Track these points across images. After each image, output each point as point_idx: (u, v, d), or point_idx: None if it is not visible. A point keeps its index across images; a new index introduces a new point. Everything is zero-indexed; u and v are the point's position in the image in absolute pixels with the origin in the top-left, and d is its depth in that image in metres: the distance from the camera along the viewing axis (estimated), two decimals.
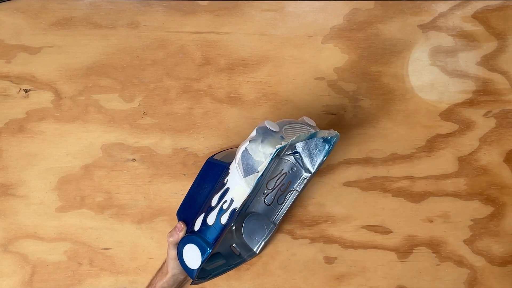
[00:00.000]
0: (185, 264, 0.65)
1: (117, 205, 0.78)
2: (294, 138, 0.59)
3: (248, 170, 0.60)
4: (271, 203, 0.76)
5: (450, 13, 0.83)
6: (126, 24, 0.81)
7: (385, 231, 0.80)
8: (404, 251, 0.80)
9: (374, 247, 0.80)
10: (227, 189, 0.63)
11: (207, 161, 0.70)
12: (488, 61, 0.83)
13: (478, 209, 0.81)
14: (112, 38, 0.80)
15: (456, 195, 0.81)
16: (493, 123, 0.82)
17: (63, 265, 0.77)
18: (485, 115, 0.82)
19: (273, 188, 0.75)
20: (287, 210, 0.75)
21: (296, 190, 0.75)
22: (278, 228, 0.77)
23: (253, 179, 0.59)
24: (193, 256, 0.64)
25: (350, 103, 0.81)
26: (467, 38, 0.83)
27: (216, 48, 0.81)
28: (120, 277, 0.78)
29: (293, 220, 0.79)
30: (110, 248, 0.78)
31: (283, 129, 0.62)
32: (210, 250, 0.63)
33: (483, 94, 0.82)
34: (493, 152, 0.82)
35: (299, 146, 0.73)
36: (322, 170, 0.80)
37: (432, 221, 0.80)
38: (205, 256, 0.63)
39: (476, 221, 0.81)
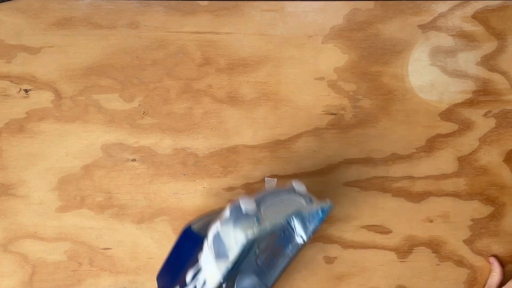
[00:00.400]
0: None
1: (117, 205, 0.78)
2: (268, 225, 0.53)
3: (219, 254, 0.54)
4: (262, 265, 0.70)
5: (450, 13, 0.83)
6: (126, 24, 0.81)
7: (385, 231, 0.80)
8: (404, 251, 0.80)
9: (374, 247, 0.80)
10: (200, 269, 0.58)
11: (184, 229, 0.65)
12: (488, 61, 0.83)
13: (478, 209, 0.81)
14: (112, 38, 0.80)
15: (456, 195, 0.81)
16: (493, 123, 0.82)
17: (63, 265, 0.77)
18: (485, 115, 0.82)
19: (265, 249, 0.70)
20: (280, 275, 0.71)
21: (288, 255, 0.70)
22: None
23: (223, 266, 0.54)
24: None
25: (350, 103, 0.81)
26: (467, 38, 0.83)
27: (216, 48, 0.81)
28: (120, 277, 0.78)
29: None
30: (110, 248, 0.78)
31: (262, 207, 0.56)
32: None
33: (483, 94, 0.82)
34: (493, 152, 0.82)
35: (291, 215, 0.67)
36: (322, 170, 0.80)
37: (432, 221, 0.80)
38: None
39: (476, 221, 0.81)
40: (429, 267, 0.80)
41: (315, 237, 0.79)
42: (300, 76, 0.81)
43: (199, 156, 0.79)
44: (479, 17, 0.83)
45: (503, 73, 0.83)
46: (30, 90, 0.79)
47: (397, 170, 0.81)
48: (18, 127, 0.79)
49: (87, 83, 0.80)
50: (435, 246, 0.80)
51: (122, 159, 0.79)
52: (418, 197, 0.81)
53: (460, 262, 0.80)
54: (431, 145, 0.81)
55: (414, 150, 0.81)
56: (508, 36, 0.83)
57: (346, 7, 0.83)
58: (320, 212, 0.65)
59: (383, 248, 0.80)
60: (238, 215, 0.54)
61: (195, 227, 0.65)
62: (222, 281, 0.56)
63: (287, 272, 0.79)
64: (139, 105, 0.80)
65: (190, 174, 0.79)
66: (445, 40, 0.83)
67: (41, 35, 0.80)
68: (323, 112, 0.81)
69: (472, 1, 0.84)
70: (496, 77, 0.83)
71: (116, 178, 0.79)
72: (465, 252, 0.80)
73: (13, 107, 0.79)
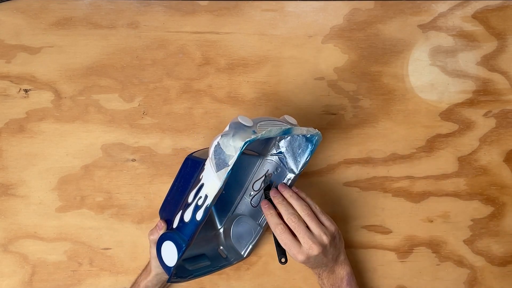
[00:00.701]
0: (163, 262, 0.65)
1: (117, 205, 0.78)
2: (264, 132, 0.59)
3: (220, 164, 0.59)
4: (257, 205, 0.75)
5: (450, 13, 0.83)
6: (126, 24, 0.81)
7: (385, 231, 0.80)
8: (404, 251, 0.80)
9: (374, 247, 0.80)
10: (202, 185, 0.62)
11: (186, 158, 0.69)
12: (488, 61, 0.83)
13: (478, 209, 0.81)
14: (112, 38, 0.80)
15: (456, 195, 0.81)
16: (493, 123, 0.82)
17: (63, 265, 0.77)
18: (485, 115, 0.82)
19: (259, 190, 0.74)
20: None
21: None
22: (264, 231, 0.76)
23: (223, 173, 0.59)
24: (170, 253, 0.64)
25: (350, 103, 0.81)
26: (467, 38, 0.83)
27: (216, 48, 0.81)
28: (120, 277, 0.78)
29: None
30: (110, 248, 0.78)
31: (257, 125, 0.61)
32: (185, 247, 0.62)
33: (483, 94, 0.82)
34: (493, 152, 0.82)
35: (283, 146, 0.72)
36: (322, 170, 0.80)
37: (432, 221, 0.80)
38: (180, 253, 0.62)
39: (476, 221, 0.81)
40: (429, 267, 0.80)
41: None
42: (300, 76, 0.81)
43: None
44: (479, 17, 0.83)
45: (503, 73, 0.83)
46: (30, 90, 0.79)
47: (397, 170, 0.81)
48: (18, 127, 0.79)
49: (87, 83, 0.80)
50: (435, 246, 0.80)
51: (122, 159, 0.79)
52: (418, 197, 0.81)
53: (460, 262, 0.80)
54: (431, 145, 0.81)
55: (414, 150, 0.81)
56: (508, 36, 0.83)
57: (346, 7, 0.83)
58: (310, 144, 0.68)
59: (383, 248, 0.80)
60: (236, 128, 0.59)
61: (195, 155, 0.69)
62: (222, 187, 0.59)
63: (287, 272, 0.79)
64: (139, 105, 0.80)
65: None
66: (445, 40, 0.83)
67: (41, 35, 0.80)
68: (323, 112, 0.81)
69: (472, 1, 0.84)
70: (496, 77, 0.83)
71: (116, 178, 0.79)
72: (465, 252, 0.80)
73: (13, 107, 0.79)
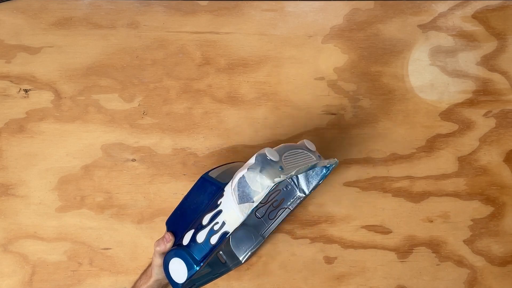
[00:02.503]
0: (170, 277, 0.65)
1: (117, 205, 0.78)
2: (293, 172, 0.58)
3: (243, 197, 0.58)
4: (261, 217, 0.75)
5: (450, 13, 0.83)
6: (126, 24, 0.81)
7: (385, 231, 0.80)
8: (404, 251, 0.80)
9: (374, 247, 0.80)
10: (220, 211, 0.61)
11: (202, 177, 0.68)
12: (488, 61, 0.83)
13: (478, 209, 0.81)
14: (112, 38, 0.80)
15: (456, 195, 0.81)
16: (493, 123, 0.82)
17: (63, 265, 0.77)
18: (485, 115, 0.82)
19: (266, 203, 0.75)
20: (276, 226, 0.75)
21: (289, 208, 0.74)
22: (268, 238, 0.76)
23: (248, 208, 0.58)
24: (179, 270, 0.63)
25: (350, 103, 0.81)
26: (467, 38, 0.83)
27: (216, 48, 0.81)
28: (120, 277, 0.78)
29: (293, 220, 0.79)
30: (110, 248, 0.78)
31: (282, 158, 0.60)
32: (198, 268, 0.62)
33: (483, 94, 0.82)
34: (493, 152, 0.82)
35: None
36: None
37: (432, 221, 0.80)
38: (191, 273, 0.62)
39: (476, 221, 0.81)
40: (429, 267, 0.80)
41: (315, 237, 0.79)
42: (300, 76, 0.81)
43: (199, 156, 0.79)
44: (479, 17, 0.83)
45: (503, 73, 0.83)
46: (30, 90, 0.79)
47: (397, 170, 0.81)
48: (18, 127, 0.79)
49: (87, 83, 0.80)
50: (435, 246, 0.80)
51: (122, 159, 0.79)
52: (418, 197, 0.81)
53: (460, 262, 0.80)
54: (431, 145, 0.81)
55: (414, 150, 0.81)
56: (508, 36, 0.83)
57: (346, 7, 0.83)
58: (324, 168, 0.68)
59: (383, 248, 0.80)
60: (264, 163, 0.57)
61: (211, 175, 0.68)
62: (244, 220, 0.59)
63: (287, 272, 0.79)
64: (139, 105, 0.80)
65: (190, 174, 0.79)
66: (445, 40, 0.83)
67: (41, 35, 0.80)
68: (323, 112, 0.81)
69: (472, 1, 0.84)
70: (496, 77, 0.83)
71: (116, 178, 0.79)
72: (465, 252, 0.80)
73: (13, 107, 0.79)
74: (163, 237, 0.67)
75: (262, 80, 0.81)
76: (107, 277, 0.77)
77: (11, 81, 0.79)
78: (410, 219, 0.80)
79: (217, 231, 0.61)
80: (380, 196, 0.80)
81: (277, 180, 0.56)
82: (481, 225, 0.81)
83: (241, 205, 0.58)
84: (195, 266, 0.62)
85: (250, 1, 0.82)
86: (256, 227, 0.76)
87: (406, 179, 0.81)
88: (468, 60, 0.83)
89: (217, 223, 0.61)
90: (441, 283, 0.80)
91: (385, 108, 0.81)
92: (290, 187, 0.74)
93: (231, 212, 0.60)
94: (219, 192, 0.62)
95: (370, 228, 0.80)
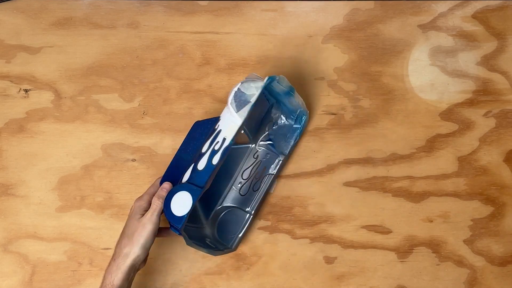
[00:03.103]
0: (173, 215, 0.63)
1: (117, 205, 0.78)
2: (278, 77, 0.66)
3: (240, 104, 0.64)
4: (246, 193, 0.77)
5: (450, 13, 0.83)
6: (126, 24, 0.81)
7: (385, 231, 0.80)
8: (404, 251, 0.80)
9: (374, 247, 0.80)
10: (219, 131, 0.65)
11: (194, 123, 0.71)
12: (488, 61, 0.83)
13: (478, 209, 0.81)
14: (112, 38, 0.81)
15: (456, 195, 0.81)
16: (493, 123, 0.82)
17: (63, 265, 0.77)
18: (485, 115, 0.82)
19: (248, 178, 0.77)
20: (262, 197, 0.77)
21: (271, 173, 0.77)
22: (255, 218, 0.77)
23: (246, 111, 0.64)
24: (182, 203, 0.63)
25: (350, 103, 0.81)
26: (467, 38, 0.83)
27: (216, 48, 0.81)
28: None
29: (293, 220, 0.79)
30: (110, 248, 0.78)
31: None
32: (202, 190, 0.63)
33: (483, 94, 0.82)
34: (493, 152, 0.82)
35: (272, 134, 0.77)
36: (322, 170, 0.80)
37: (432, 221, 0.80)
38: (196, 198, 0.62)
39: (476, 221, 0.81)
40: (429, 267, 0.80)
41: (315, 237, 0.79)
42: (300, 76, 0.81)
43: None
44: (479, 17, 0.83)
45: (503, 73, 0.83)
46: (30, 90, 0.79)
47: (397, 170, 0.81)
48: (18, 127, 0.79)
49: (87, 83, 0.80)
50: (435, 246, 0.80)
51: (122, 159, 0.79)
52: (418, 197, 0.81)
53: (460, 262, 0.80)
54: (431, 145, 0.81)
55: (414, 150, 0.81)
56: (508, 36, 0.83)
57: (346, 7, 0.83)
58: (297, 128, 0.76)
59: (383, 248, 0.80)
60: (254, 78, 0.66)
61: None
62: (243, 124, 0.65)
63: (287, 272, 0.79)
64: (139, 105, 0.80)
65: None
66: (445, 40, 0.83)
67: (41, 35, 0.80)
68: (323, 112, 0.81)
69: (472, 1, 0.84)
70: (496, 77, 0.83)
71: (116, 178, 0.79)
72: (465, 252, 0.80)
73: (13, 107, 0.79)
74: (161, 187, 0.65)
75: None
76: None
77: (11, 81, 0.79)
78: (410, 219, 0.80)
79: (218, 150, 0.64)
80: (380, 196, 0.80)
81: (266, 81, 0.65)
82: (481, 225, 0.81)
83: (239, 111, 0.64)
84: (199, 190, 0.63)
85: (250, 1, 0.82)
86: (242, 205, 0.76)
87: (406, 179, 0.81)
88: (468, 60, 0.83)
89: (217, 142, 0.65)
90: (441, 283, 0.80)
91: (385, 108, 0.81)
92: (269, 155, 0.77)
93: (230, 125, 0.64)
94: (216, 121, 0.67)
95: (370, 228, 0.80)
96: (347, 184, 0.80)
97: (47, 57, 0.80)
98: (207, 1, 0.81)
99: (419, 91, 0.82)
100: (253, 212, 0.76)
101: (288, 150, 0.77)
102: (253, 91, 0.65)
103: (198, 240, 0.71)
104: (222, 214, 0.77)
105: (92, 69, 0.80)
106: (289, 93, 0.71)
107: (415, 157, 0.81)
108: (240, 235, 0.75)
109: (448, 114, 0.82)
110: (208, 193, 0.66)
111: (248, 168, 0.77)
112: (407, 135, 0.81)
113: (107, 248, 0.78)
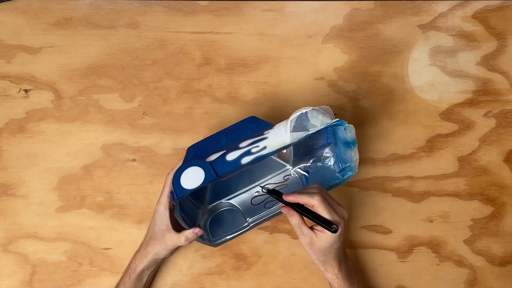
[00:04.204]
0: (179, 182, 0.62)
1: (117, 205, 0.78)
2: (347, 125, 0.64)
3: (298, 127, 0.62)
4: (256, 205, 0.75)
5: (450, 13, 0.83)
6: (126, 24, 0.81)
7: (385, 231, 0.80)
8: (404, 251, 0.80)
9: (374, 247, 0.80)
10: (265, 138, 0.63)
11: (251, 116, 0.69)
12: (488, 61, 0.83)
13: (478, 209, 0.81)
14: (112, 38, 0.81)
15: (456, 195, 0.81)
16: (493, 123, 0.82)
17: (63, 265, 0.77)
18: (485, 115, 0.82)
19: (265, 194, 0.74)
20: (267, 218, 0.74)
21: (289, 203, 0.72)
22: (249, 230, 0.75)
23: (298, 136, 0.61)
24: (192, 177, 0.62)
25: (350, 103, 0.81)
26: (467, 38, 0.83)
27: (216, 48, 0.81)
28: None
29: None
30: (110, 248, 0.78)
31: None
32: (217, 179, 0.61)
33: (483, 94, 0.82)
34: (493, 152, 0.82)
35: (312, 168, 0.73)
36: None
37: (432, 221, 0.80)
38: (206, 181, 0.61)
39: (476, 221, 0.81)
40: (429, 267, 0.80)
41: None
42: (300, 76, 0.81)
43: None
44: (479, 17, 0.83)
45: (503, 73, 0.83)
46: (30, 90, 0.79)
47: (397, 170, 0.81)
48: (18, 127, 0.79)
49: (87, 83, 0.80)
50: (435, 246, 0.80)
51: (122, 159, 0.79)
52: (418, 197, 0.81)
53: (460, 262, 0.80)
54: (431, 145, 0.81)
55: (414, 150, 0.81)
56: (508, 36, 0.83)
57: (346, 7, 0.83)
58: (338, 175, 0.72)
59: (383, 248, 0.80)
60: (325, 111, 0.64)
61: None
62: (288, 146, 0.63)
63: (287, 272, 0.79)
64: (139, 105, 0.80)
65: None
66: (445, 40, 0.83)
67: (41, 35, 0.80)
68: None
69: (472, 1, 0.84)
70: (496, 77, 0.83)
71: (116, 178, 0.79)
72: (465, 252, 0.80)
73: (13, 107, 0.79)
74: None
75: (262, 80, 0.81)
76: (107, 277, 0.77)
77: (11, 81, 0.79)
78: (410, 219, 0.80)
79: (253, 153, 0.62)
80: (380, 196, 0.80)
81: (334, 120, 0.62)
82: (481, 225, 0.81)
83: (293, 132, 0.62)
84: (215, 175, 0.61)
85: (250, 1, 0.82)
86: (246, 213, 0.75)
87: (406, 179, 0.81)
88: (468, 60, 0.83)
89: (257, 146, 0.62)
90: (441, 283, 0.80)
91: (385, 108, 0.81)
92: (297, 185, 0.74)
93: (277, 139, 0.62)
94: (269, 127, 0.64)
95: (370, 228, 0.80)
96: (347, 184, 0.80)
97: (47, 57, 0.80)
98: (207, 1, 0.81)
99: (419, 91, 0.82)
100: (251, 224, 0.74)
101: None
102: (317, 123, 0.62)
103: (188, 216, 0.70)
104: (224, 208, 0.76)
105: (92, 69, 0.80)
106: (350, 144, 0.67)
107: (415, 157, 0.81)
108: (228, 238, 0.74)
109: (448, 114, 0.82)
110: (225, 182, 0.64)
111: (272, 184, 0.75)
112: (407, 135, 0.81)
113: (107, 248, 0.78)
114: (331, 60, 0.82)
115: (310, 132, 0.62)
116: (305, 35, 0.82)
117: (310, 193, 0.64)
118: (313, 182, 0.73)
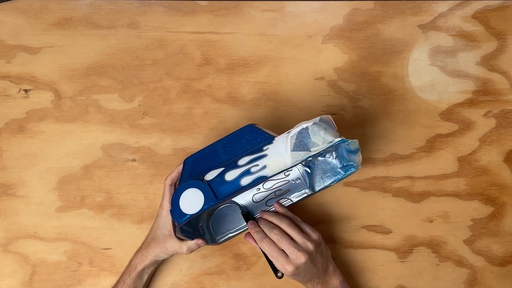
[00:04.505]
0: (178, 206, 0.61)
1: (117, 205, 0.78)
2: (350, 141, 0.61)
3: (299, 146, 0.59)
4: (258, 202, 0.74)
5: (450, 13, 0.83)
6: (126, 24, 0.81)
7: (385, 231, 0.80)
8: (404, 251, 0.80)
9: (374, 247, 0.80)
10: (264, 155, 0.60)
11: (250, 124, 0.66)
12: (488, 61, 0.83)
13: (478, 209, 0.81)
14: (112, 38, 0.81)
15: (456, 195, 0.81)
16: (493, 123, 0.82)
17: (63, 265, 0.77)
18: (485, 115, 0.82)
19: (269, 189, 0.74)
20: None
21: (291, 200, 0.73)
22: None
23: (300, 156, 0.58)
24: (193, 202, 0.60)
25: (350, 103, 0.81)
26: (467, 38, 0.83)
27: (216, 48, 0.81)
28: None
29: None
30: (110, 248, 0.78)
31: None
32: (217, 203, 0.60)
33: (483, 94, 0.82)
34: (493, 152, 0.82)
35: (315, 163, 0.71)
36: None
37: (432, 221, 0.80)
38: (206, 207, 0.60)
39: (476, 221, 0.81)
40: (429, 267, 0.80)
41: None
42: (300, 76, 0.81)
43: None
44: (479, 17, 0.83)
45: (503, 73, 0.83)
46: (30, 90, 0.79)
47: (397, 170, 0.81)
48: (18, 127, 0.79)
49: (87, 83, 0.80)
50: (435, 246, 0.80)
51: (122, 159, 0.79)
52: (418, 197, 0.81)
53: (460, 262, 0.80)
54: (431, 145, 0.81)
55: (414, 150, 0.81)
56: (508, 36, 0.83)
57: (346, 7, 0.83)
58: (341, 172, 0.68)
59: (383, 248, 0.80)
60: (328, 125, 0.60)
61: (259, 127, 0.67)
62: (288, 168, 0.60)
63: None
64: (139, 105, 0.80)
65: None
66: (445, 40, 0.83)
67: (41, 35, 0.80)
68: (323, 112, 0.81)
69: (472, 1, 0.84)
70: (496, 77, 0.83)
71: (116, 178, 0.79)
72: (465, 252, 0.80)
73: (13, 107, 0.79)
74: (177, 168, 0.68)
75: (262, 80, 0.81)
76: (107, 277, 0.77)
77: (11, 81, 0.79)
78: (410, 219, 0.80)
79: (253, 173, 0.60)
80: (380, 196, 0.80)
81: (336, 140, 0.58)
82: (481, 225, 0.81)
83: (293, 152, 0.58)
84: (215, 199, 0.60)
85: (250, 1, 0.82)
86: (247, 208, 0.74)
87: (406, 179, 0.81)
88: (468, 60, 0.83)
89: (256, 165, 0.60)
90: (441, 283, 0.80)
91: (385, 108, 0.81)
92: (299, 181, 0.73)
93: (277, 158, 0.59)
94: (268, 141, 0.62)
95: (370, 228, 0.80)
96: (347, 184, 0.80)
97: (47, 57, 0.80)
98: (207, 1, 0.81)
99: (419, 91, 0.82)
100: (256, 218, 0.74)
101: (319, 188, 0.71)
102: (319, 141, 0.59)
103: (192, 221, 0.69)
104: (225, 206, 0.75)
105: (92, 69, 0.80)
106: (353, 152, 0.66)
107: (415, 157, 0.81)
108: (231, 235, 0.74)
109: (448, 114, 0.82)
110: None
111: (274, 180, 0.74)
112: (407, 135, 0.81)
113: (107, 248, 0.78)
114: (331, 60, 0.82)
115: (311, 154, 0.59)
116: (305, 35, 0.82)
117: (269, 225, 0.67)
118: (313, 177, 0.72)
